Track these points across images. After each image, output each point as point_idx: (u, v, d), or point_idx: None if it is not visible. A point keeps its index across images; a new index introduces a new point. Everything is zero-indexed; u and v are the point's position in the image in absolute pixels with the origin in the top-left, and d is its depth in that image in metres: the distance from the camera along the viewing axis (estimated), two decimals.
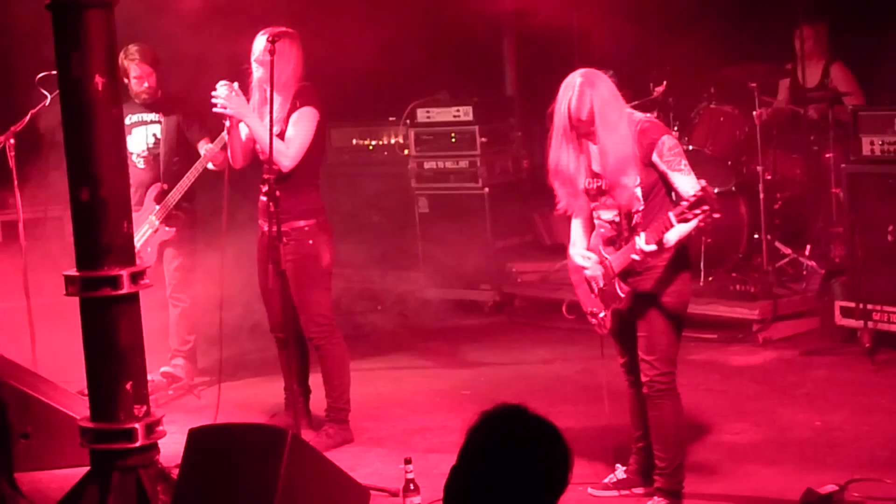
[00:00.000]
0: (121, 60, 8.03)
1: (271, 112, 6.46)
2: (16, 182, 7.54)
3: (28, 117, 7.56)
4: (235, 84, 6.75)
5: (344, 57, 9.86)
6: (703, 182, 5.36)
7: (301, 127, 6.80)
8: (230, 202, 7.80)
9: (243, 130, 6.92)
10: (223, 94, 6.71)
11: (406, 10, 10.33)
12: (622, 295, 5.59)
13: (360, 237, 10.17)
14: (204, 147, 7.94)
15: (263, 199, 6.68)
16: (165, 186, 8.08)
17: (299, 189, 6.80)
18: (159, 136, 8.19)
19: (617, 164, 5.48)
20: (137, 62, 8.10)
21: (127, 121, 8.22)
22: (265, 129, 6.54)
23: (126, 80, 8.03)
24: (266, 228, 6.76)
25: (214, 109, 6.79)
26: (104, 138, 5.34)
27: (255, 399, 7.84)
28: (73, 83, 5.31)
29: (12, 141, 7.51)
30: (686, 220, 5.25)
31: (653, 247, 5.37)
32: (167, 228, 8.15)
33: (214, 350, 7.83)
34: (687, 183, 5.45)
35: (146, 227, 8.08)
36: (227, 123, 6.84)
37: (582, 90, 5.51)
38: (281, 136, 6.75)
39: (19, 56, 8.81)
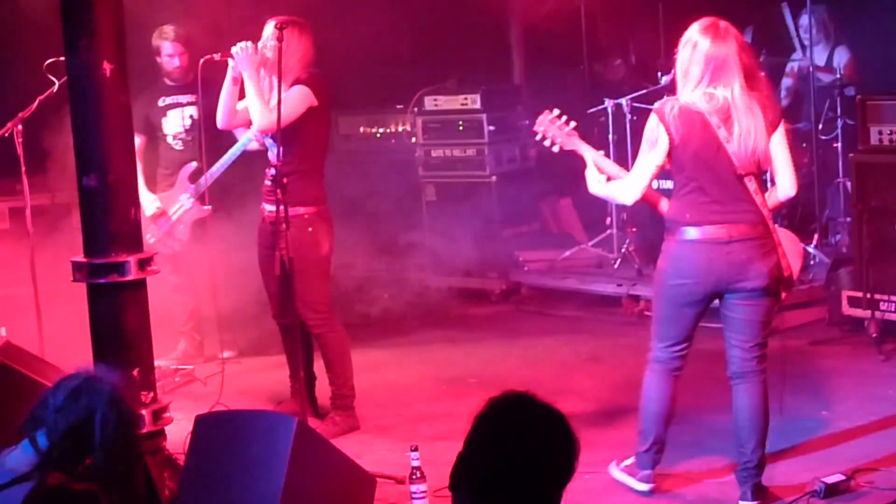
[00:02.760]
0: (154, 40, 8.12)
1: (279, 98, 6.45)
2: (23, 168, 7.55)
3: (36, 104, 7.55)
4: (259, 45, 6.75)
5: (352, 45, 9.85)
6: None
7: (287, 99, 6.69)
8: (239, 186, 7.87)
9: (241, 103, 6.95)
10: (240, 46, 6.75)
11: None
12: None
13: (366, 225, 10.17)
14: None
15: (268, 183, 6.72)
16: (198, 164, 8.11)
17: (301, 176, 6.78)
18: (196, 116, 8.24)
19: None
20: (171, 40, 8.25)
21: (161, 102, 8.32)
22: (260, 94, 6.64)
23: (158, 59, 8.14)
24: (267, 213, 6.78)
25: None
26: (112, 125, 5.34)
27: (261, 386, 7.85)
28: (80, 70, 5.31)
29: (20, 127, 7.52)
30: None
31: None
32: (205, 207, 8.15)
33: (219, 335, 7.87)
34: None
35: (178, 205, 8.18)
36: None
37: None
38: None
39: (27, 42, 8.80)
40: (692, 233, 5.51)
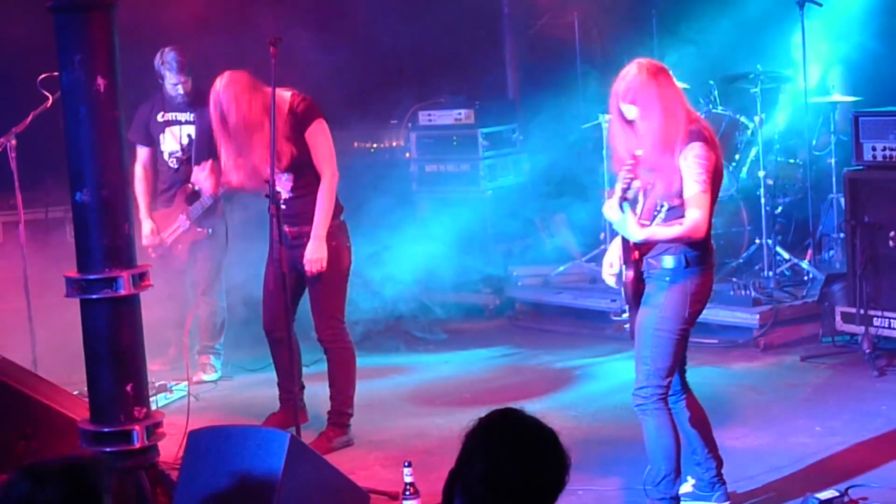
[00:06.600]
0: (157, 66, 8.13)
1: (274, 111, 6.43)
2: (17, 183, 7.55)
3: (30, 118, 7.57)
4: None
5: (346, 60, 9.86)
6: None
7: (322, 141, 6.85)
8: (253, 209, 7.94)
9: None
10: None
11: (408, 13, 10.34)
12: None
13: (359, 240, 10.14)
14: None
15: (283, 206, 6.76)
16: (196, 187, 8.07)
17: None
18: (194, 137, 8.26)
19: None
20: (175, 72, 8.22)
21: (159, 118, 8.30)
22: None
23: (160, 81, 8.24)
24: (288, 229, 6.83)
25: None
26: (105, 140, 5.34)
27: (250, 398, 7.87)
28: (74, 85, 5.31)
29: (14, 142, 7.53)
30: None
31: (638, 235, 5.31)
32: (199, 229, 8.23)
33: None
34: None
35: (176, 225, 8.24)
36: None
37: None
38: (287, 161, 6.76)
39: (22, 57, 8.81)
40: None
